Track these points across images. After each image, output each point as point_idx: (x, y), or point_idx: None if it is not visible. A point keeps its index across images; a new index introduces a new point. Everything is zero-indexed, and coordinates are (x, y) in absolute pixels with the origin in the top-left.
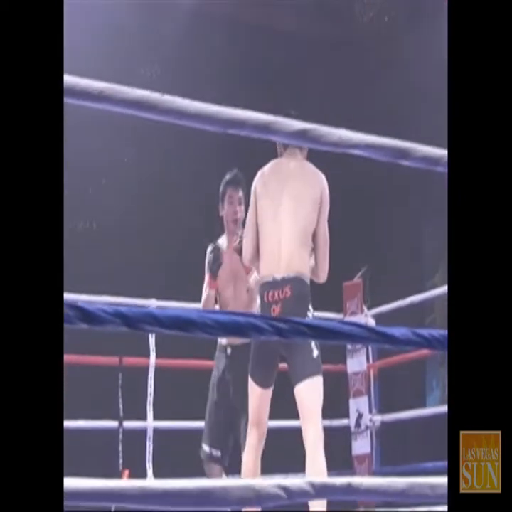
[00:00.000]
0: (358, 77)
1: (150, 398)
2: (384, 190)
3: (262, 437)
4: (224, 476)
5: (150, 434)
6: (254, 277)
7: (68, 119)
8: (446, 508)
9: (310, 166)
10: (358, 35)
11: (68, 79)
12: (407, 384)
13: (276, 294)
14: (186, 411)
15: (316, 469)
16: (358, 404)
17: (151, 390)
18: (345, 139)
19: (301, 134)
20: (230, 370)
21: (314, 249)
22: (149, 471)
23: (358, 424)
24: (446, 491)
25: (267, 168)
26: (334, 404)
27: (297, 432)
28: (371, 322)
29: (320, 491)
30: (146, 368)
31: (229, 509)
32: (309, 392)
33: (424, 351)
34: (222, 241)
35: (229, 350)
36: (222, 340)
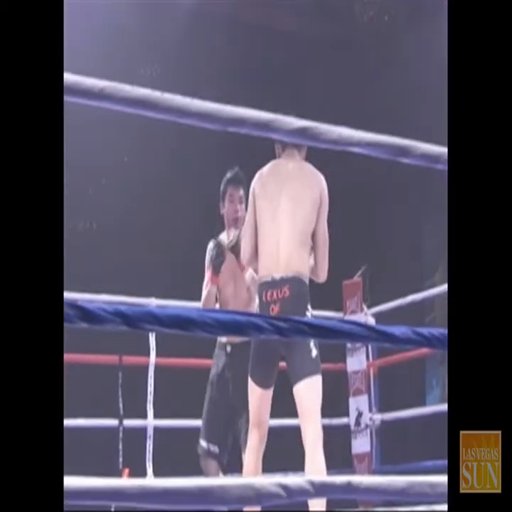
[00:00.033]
0: (358, 77)
1: (150, 397)
2: (384, 188)
3: (262, 438)
4: (221, 473)
5: (150, 432)
6: (249, 273)
7: (68, 118)
8: (445, 506)
9: (309, 167)
10: (358, 34)
11: (69, 77)
12: (407, 383)
13: (274, 294)
14: (186, 410)
15: (316, 468)
16: (358, 403)
17: (151, 388)
18: (345, 136)
19: (301, 132)
20: (229, 368)
21: (314, 249)
22: (149, 470)
23: (357, 423)
24: (445, 489)
25: (265, 169)
26: (334, 402)
27: (297, 431)
28: (371, 321)
29: (320, 489)
30: (146, 367)
31: (226, 509)
32: (308, 392)
33: (424, 350)
34: (223, 238)
35: (229, 348)
36: (222, 338)
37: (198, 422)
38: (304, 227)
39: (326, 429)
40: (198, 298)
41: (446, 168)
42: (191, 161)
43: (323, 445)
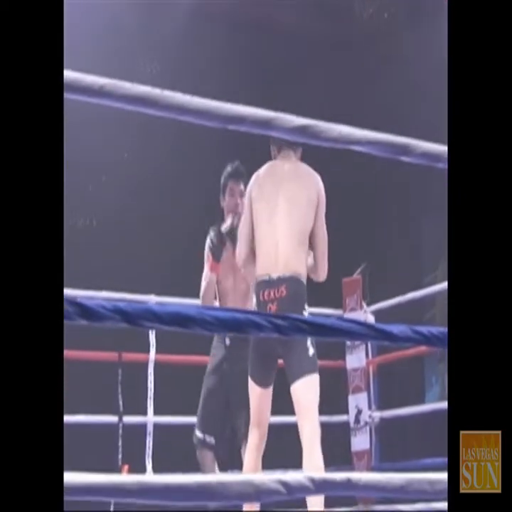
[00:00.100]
0: (358, 76)
1: (150, 393)
2: (384, 186)
3: (262, 437)
4: (216, 464)
5: (150, 429)
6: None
7: (68, 115)
8: (444, 504)
9: (305, 167)
10: (358, 33)
11: (69, 75)
12: (407, 380)
13: (272, 293)
14: (186, 406)
15: (313, 465)
16: (357, 401)
17: (151, 385)
18: (346, 134)
19: (302, 130)
20: (227, 360)
21: (313, 249)
22: (149, 466)
23: (357, 421)
24: (444, 487)
25: (261, 171)
26: (333, 400)
27: (296, 428)
28: (370, 318)
29: (319, 486)
30: (146, 364)
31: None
32: (306, 390)
33: (423, 348)
34: (223, 228)
35: (228, 341)
36: None
37: None
38: (301, 228)
39: (325, 426)
40: (198, 295)
41: (447, 166)
42: (191, 157)
43: (323, 442)
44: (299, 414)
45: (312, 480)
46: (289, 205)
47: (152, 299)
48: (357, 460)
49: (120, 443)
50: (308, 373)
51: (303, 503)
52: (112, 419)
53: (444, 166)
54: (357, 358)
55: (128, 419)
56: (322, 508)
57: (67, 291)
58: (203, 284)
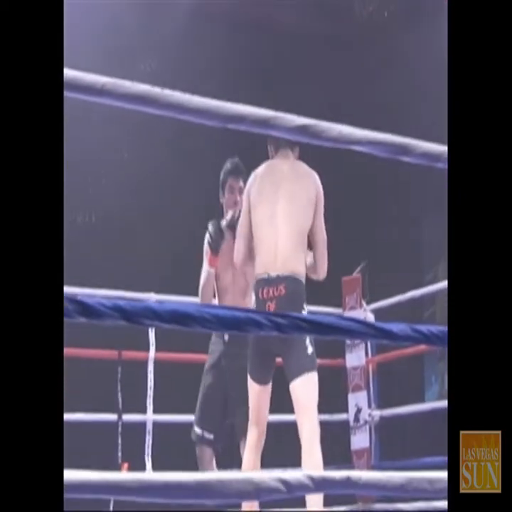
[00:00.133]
0: (358, 75)
1: (150, 392)
2: (384, 185)
3: (261, 435)
4: (214, 460)
5: (149, 427)
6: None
7: (68, 112)
8: (444, 502)
9: (303, 167)
10: (358, 32)
11: (70, 73)
12: (406, 379)
13: (270, 291)
14: (185, 404)
15: (313, 464)
16: (357, 399)
17: (150, 383)
18: (346, 134)
19: (302, 130)
20: (226, 356)
21: (313, 248)
22: (148, 465)
23: (356, 419)
24: (444, 485)
25: (259, 170)
26: (333, 398)
27: (295, 427)
28: (370, 317)
29: (319, 484)
30: (145, 362)
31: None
32: (305, 389)
33: (423, 346)
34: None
35: (226, 337)
36: None
37: None
38: (300, 227)
39: (324, 425)
40: (197, 293)
41: (447, 166)
42: (191, 155)
43: (322, 441)
44: (299, 413)
45: (312, 478)
46: (288, 205)
47: (152, 297)
48: (356, 459)
49: (120, 441)
50: (307, 371)
51: (302, 502)
52: (112, 417)
53: (444, 165)
54: (357, 357)
55: (127, 417)
56: (321, 507)
57: (67, 289)
58: (202, 277)
